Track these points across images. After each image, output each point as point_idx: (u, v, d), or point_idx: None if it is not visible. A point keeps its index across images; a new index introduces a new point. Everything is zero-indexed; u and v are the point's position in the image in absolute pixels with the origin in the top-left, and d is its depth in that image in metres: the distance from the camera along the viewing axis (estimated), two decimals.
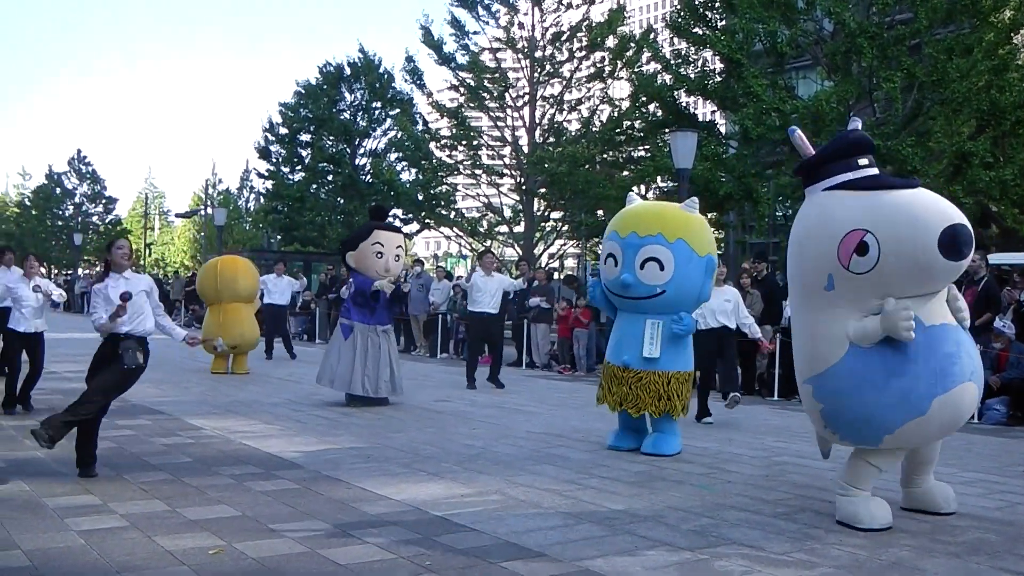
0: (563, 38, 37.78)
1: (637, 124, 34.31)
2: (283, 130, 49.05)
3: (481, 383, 17.01)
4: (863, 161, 7.04)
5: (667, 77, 30.04)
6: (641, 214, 10.33)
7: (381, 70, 48.13)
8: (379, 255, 14.00)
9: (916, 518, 7.40)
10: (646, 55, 34.15)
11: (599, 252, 12.13)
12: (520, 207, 39.69)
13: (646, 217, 10.24)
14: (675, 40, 30.93)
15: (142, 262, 74.92)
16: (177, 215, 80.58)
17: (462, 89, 39.06)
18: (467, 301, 18.77)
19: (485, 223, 40.29)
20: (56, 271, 75.63)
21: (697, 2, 28.74)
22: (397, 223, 38.64)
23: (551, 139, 38.29)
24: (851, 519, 7.02)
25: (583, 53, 37.75)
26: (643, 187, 34.59)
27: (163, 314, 9.02)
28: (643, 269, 9.90)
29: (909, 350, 6.59)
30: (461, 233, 39.74)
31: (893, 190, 6.76)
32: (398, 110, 45.44)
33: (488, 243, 41.28)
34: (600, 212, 33.75)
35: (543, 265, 37.30)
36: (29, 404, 12.46)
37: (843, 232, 6.64)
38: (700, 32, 28.38)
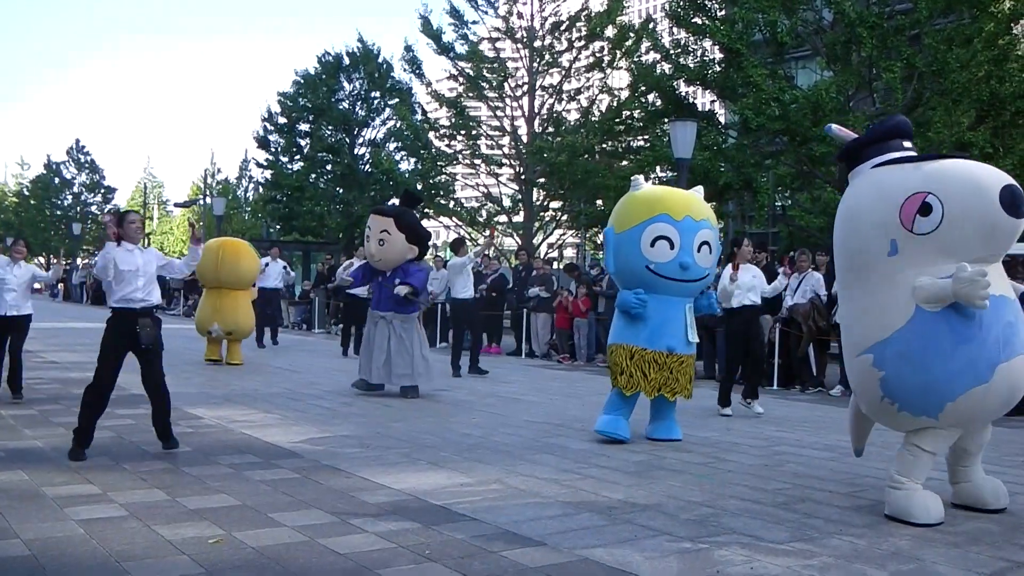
0: (562, 27, 37.75)
1: (636, 114, 34.36)
2: (282, 119, 49.04)
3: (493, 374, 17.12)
4: (907, 144, 7.27)
5: (666, 67, 29.99)
6: (686, 199, 10.41)
7: (380, 59, 48.11)
8: (367, 239, 14.05)
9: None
10: (645, 45, 34.08)
11: (599, 242, 11.97)
12: (519, 197, 39.67)
13: (693, 203, 10.38)
14: (674, 30, 30.86)
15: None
16: (176, 205, 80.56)
17: (461, 79, 39.05)
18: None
19: (484, 213, 40.27)
20: (55, 260, 75.63)
21: None
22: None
23: (550, 129, 38.27)
24: (902, 513, 6.92)
25: (582, 43, 37.70)
26: (642, 176, 34.55)
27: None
28: (699, 252, 10.08)
29: (976, 316, 6.55)
30: (460, 223, 39.71)
31: (945, 159, 6.96)
32: (397, 100, 45.41)
33: (487, 231, 41.31)
34: (599, 202, 33.79)
35: (542, 254, 37.29)
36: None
37: (903, 196, 6.72)
38: (700, 22, 28.31)
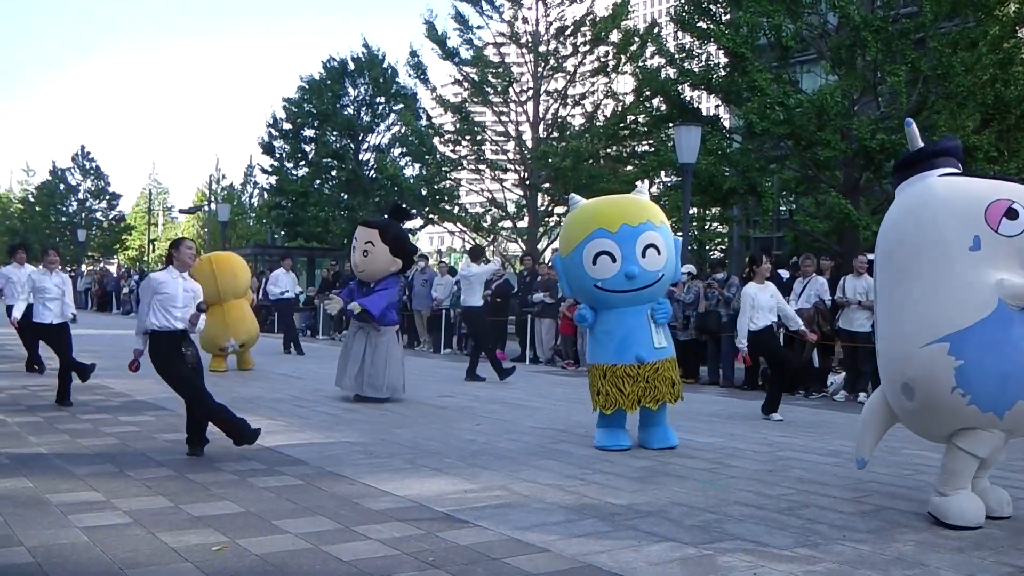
0: (567, 32, 37.80)
1: (641, 118, 34.38)
2: (287, 125, 49.09)
3: (492, 378, 17.13)
4: (960, 167, 7.47)
5: (671, 71, 30.01)
6: (620, 207, 10.41)
7: (385, 65, 48.15)
8: (353, 249, 14.20)
9: (920, 513, 7.39)
10: (650, 49, 34.15)
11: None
12: (524, 202, 39.73)
13: (628, 209, 10.32)
14: (679, 34, 30.91)
15: (146, 257, 75.04)
16: (181, 211, 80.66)
17: (466, 84, 39.10)
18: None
19: (489, 218, 40.31)
20: (60, 267, 75.67)
21: None
22: (414, 224, 38.67)
23: (555, 134, 38.31)
24: (940, 513, 7.00)
25: (587, 47, 37.73)
26: (647, 181, 34.59)
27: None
28: (645, 257, 9.96)
29: None
30: (465, 228, 39.73)
31: (1014, 183, 7.11)
32: (402, 105, 45.52)
33: (491, 238, 41.31)
34: None
35: (547, 260, 37.29)
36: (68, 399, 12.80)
37: (988, 199, 6.83)
38: (704, 26, 28.33)
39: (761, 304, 12.88)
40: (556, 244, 40.77)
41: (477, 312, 18.08)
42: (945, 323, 6.86)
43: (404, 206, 16.49)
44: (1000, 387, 6.66)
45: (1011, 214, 6.72)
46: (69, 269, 57.73)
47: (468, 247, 39.03)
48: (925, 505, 7.64)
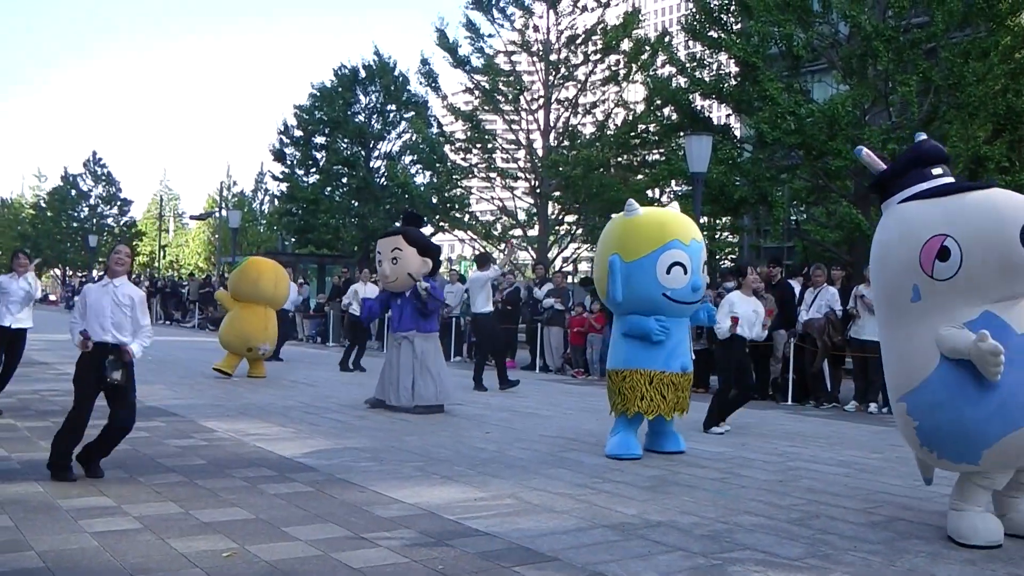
0: (578, 41, 37.86)
1: (652, 127, 34.45)
2: (298, 132, 49.21)
3: (493, 387, 17.14)
4: (937, 171, 6.92)
5: (682, 80, 30.02)
6: (685, 222, 10.59)
7: (396, 73, 48.23)
8: (379, 263, 14.14)
9: (929, 523, 7.37)
10: (661, 58, 34.14)
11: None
12: (534, 210, 39.71)
13: (690, 225, 10.60)
14: (690, 43, 30.89)
15: (156, 264, 75.15)
16: (192, 217, 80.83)
17: (477, 92, 39.17)
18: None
19: (499, 226, 40.31)
20: (71, 273, 75.93)
21: (712, 5, 28.68)
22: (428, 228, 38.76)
23: (565, 142, 38.32)
24: (956, 534, 6.76)
25: (598, 56, 37.79)
26: (657, 191, 34.61)
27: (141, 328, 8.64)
28: (703, 272, 10.44)
29: (1004, 360, 6.16)
30: (475, 236, 39.75)
31: (968, 192, 6.62)
32: (413, 113, 45.61)
33: (502, 245, 41.33)
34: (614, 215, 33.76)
35: (558, 268, 37.29)
36: None
37: (922, 240, 6.47)
38: (715, 35, 28.35)
39: (740, 314, 12.71)
40: (566, 253, 40.94)
41: (483, 318, 18.11)
42: (901, 382, 6.84)
43: (415, 212, 16.53)
44: (959, 444, 6.48)
45: (943, 254, 6.35)
46: (81, 275, 57.88)
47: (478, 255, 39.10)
48: (936, 516, 7.64)
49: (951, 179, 6.93)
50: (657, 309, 10.24)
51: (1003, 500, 7.05)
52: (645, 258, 10.13)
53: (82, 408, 8.35)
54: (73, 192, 76.76)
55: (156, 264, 76.44)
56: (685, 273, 10.07)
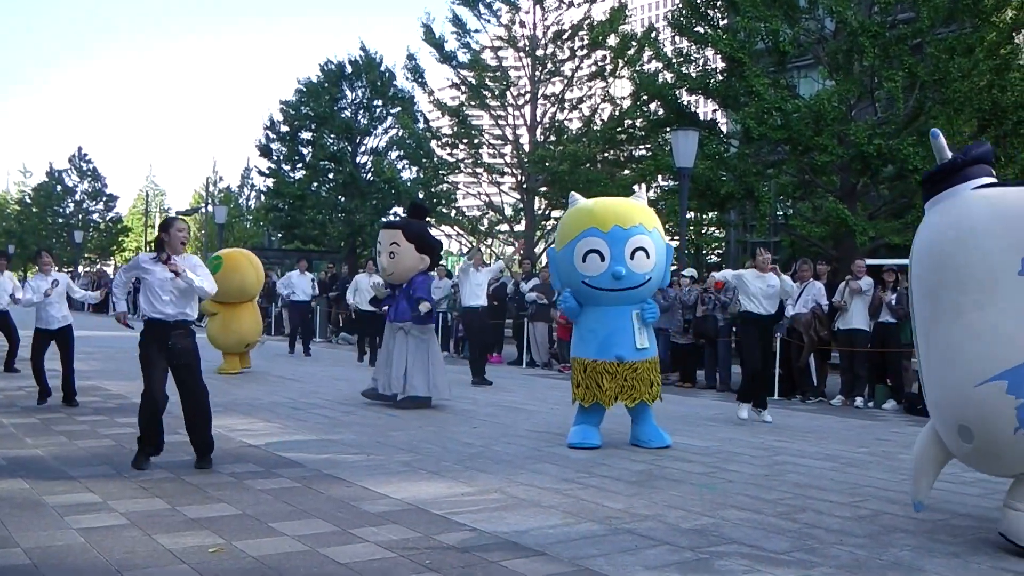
0: (564, 36, 37.89)
1: (638, 123, 34.52)
2: (284, 128, 49.10)
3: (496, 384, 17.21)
4: (992, 171, 6.97)
5: (668, 76, 30.05)
6: (615, 208, 10.60)
7: (382, 68, 48.17)
8: (379, 253, 14.20)
9: (915, 517, 7.39)
10: (647, 54, 34.21)
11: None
12: (521, 206, 39.77)
13: (622, 211, 10.53)
14: (677, 39, 30.90)
15: None
16: (178, 213, 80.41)
17: (463, 87, 39.19)
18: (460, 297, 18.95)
19: (486, 222, 40.36)
20: (57, 269, 75.66)
21: (699, 0, 28.71)
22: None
23: (552, 138, 38.36)
24: (1013, 535, 6.45)
25: (584, 51, 37.85)
26: (644, 186, 34.62)
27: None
28: (633, 259, 10.23)
29: None
30: (462, 232, 39.75)
31: None
32: (399, 108, 45.58)
33: (489, 241, 41.33)
34: None
35: (544, 263, 37.30)
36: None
37: None
38: (702, 31, 28.39)
39: (753, 292, 12.93)
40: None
41: (476, 312, 18.14)
42: (999, 359, 6.29)
43: (422, 203, 16.52)
44: None
45: None
46: (67, 270, 57.68)
47: (467, 250, 39.15)
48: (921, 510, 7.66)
49: None
50: (584, 296, 10.58)
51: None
52: (566, 247, 10.57)
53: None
54: (59, 188, 76.48)
55: None
56: (602, 260, 10.21)
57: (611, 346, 10.43)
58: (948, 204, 6.81)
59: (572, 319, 11.00)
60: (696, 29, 28.63)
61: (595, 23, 37.35)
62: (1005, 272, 6.33)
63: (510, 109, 39.07)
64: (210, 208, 56.42)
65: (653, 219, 10.70)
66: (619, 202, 10.88)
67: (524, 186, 38.69)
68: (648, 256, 10.30)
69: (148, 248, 72.50)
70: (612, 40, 37.18)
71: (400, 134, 43.22)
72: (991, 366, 6.30)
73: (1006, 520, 6.54)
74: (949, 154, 7.03)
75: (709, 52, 29.03)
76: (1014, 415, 6.20)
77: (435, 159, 39.52)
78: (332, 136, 48.00)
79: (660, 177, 32.69)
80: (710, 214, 35.88)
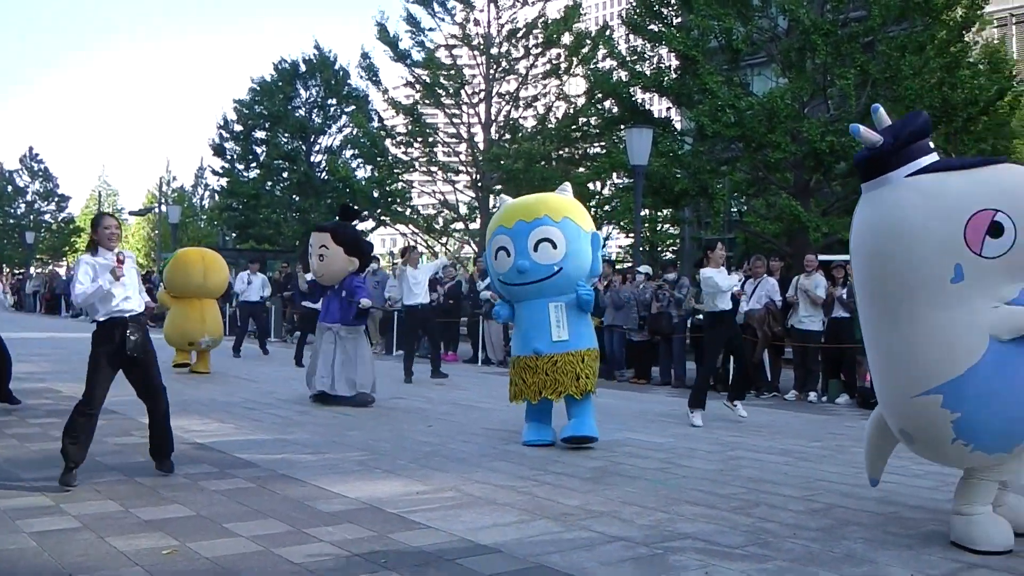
0: (519, 35, 37.91)
1: (593, 121, 34.63)
2: (238, 127, 48.85)
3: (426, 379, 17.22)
4: (932, 144, 6.45)
5: (623, 74, 30.16)
6: (521, 204, 10.69)
7: (336, 67, 48.03)
8: (310, 256, 14.32)
9: (867, 510, 7.46)
10: (602, 52, 34.36)
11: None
12: (476, 204, 39.72)
13: (527, 205, 10.59)
14: (631, 37, 31.01)
15: None
16: (131, 213, 79.85)
17: (418, 86, 39.12)
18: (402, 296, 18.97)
19: (441, 220, 40.28)
20: (8, 270, 74.92)
21: None
22: (365, 224, 38.77)
23: (507, 136, 38.37)
24: (966, 540, 6.33)
25: (539, 50, 37.87)
26: (599, 183, 34.74)
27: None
28: (537, 251, 10.16)
29: None
30: (417, 230, 39.69)
31: (996, 165, 6.21)
32: (353, 107, 45.49)
33: (444, 240, 41.28)
34: None
35: None
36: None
37: (966, 215, 5.87)
38: (656, 29, 28.47)
39: (725, 287, 12.92)
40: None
41: (419, 310, 18.19)
42: (935, 372, 6.08)
43: (353, 207, 16.54)
44: (1006, 432, 6.05)
45: (995, 230, 5.82)
46: (18, 272, 57.15)
47: (429, 249, 39.15)
48: (874, 503, 7.74)
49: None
50: (509, 295, 10.76)
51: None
52: (487, 249, 10.86)
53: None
54: (9, 188, 75.64)
55: None
56: (508, 256, 10.29)
57: (529, 340, 10.44)
58: (881, 195, 6.37)
59: (506, 322, 11.02)
60: (650, 27, 28.70)
61: (549, 21, 37.41)
62: (938, 280, 6.03)
63: (465, 107, 39.06)
64: (163, 208, 56.02)
65: (566, 209, 10.49)
66: (530, 197, 10.99)
67: (479, 184, 38.67)
68: (555, 247, 10.17)
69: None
70: (566, 38, 37.27)
71: (354, 133, 43.09)
72: (926, 379, 6.12)
73: (955, 527, 6.50)
74: (878, 137, 6.41)
75: (663, 50, 29.20)
76: (950, 428, 6.09)
77: (390, 158, 39.39)
78: (286, 135, 47.83)
79: (615, 175, 32.81)
80: (664, 211, 35.95)
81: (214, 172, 51.97)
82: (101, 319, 8.20)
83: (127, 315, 8.21)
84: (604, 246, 10.54)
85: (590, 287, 10.73)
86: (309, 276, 14.98)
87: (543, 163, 35.99)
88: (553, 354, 10.28)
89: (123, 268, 8.10)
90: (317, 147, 48.54)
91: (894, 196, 6.23)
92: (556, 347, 10.29)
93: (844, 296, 15.62)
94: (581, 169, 35.64)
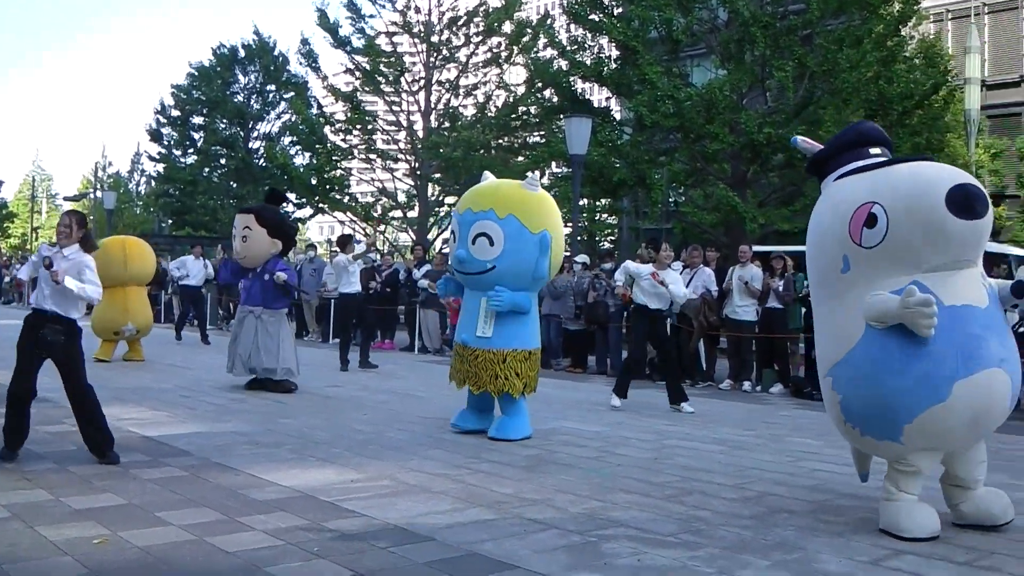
0: (460, 23, 37.85)
1: (532, 110, 34.67)
2: (175, 112, 48.59)
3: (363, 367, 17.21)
4: (875, 151, 6.82)
5: (563, 63, 30.23)
6: (479, 191, 10.46)
7: (276, 53, 47.85)
8: (234, 237, 14.25)
9: (800, 498, 7.55)
10: (542, 41, 34.36)
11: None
12: (414, 192, 39.67)
13: (482, 194, 10.37)
14: (571, 26, 31.09)
15: (29, 246, 73.46)
16: (65, 198, 78.79)
17: (357, 73, 38.92)
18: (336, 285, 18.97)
19: (379, 208, 40.16)
20: None
21: None
22: (290, 207, 38.60)
23: (446, 124, 38.33)
24: (893, 527, 6.43)
25: (479, 38, 37.86)
26: (538, 172, 34.77)
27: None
28: (475, 244, 9.98)
29: (936, 311, 5.98)
30: (355, 218, 39.54)
31: (899, 164, 6.58)
32: (293, 93, 45.20)
33: (382, 228, 41.15)
34: None
35: (438, 250, 37.33)
36: None
37: (851, 210, 6.36)
38: (596, 19, 28.57)
39: (646, 287, 12.98)
40: (446, 234, 41.13)
41: (351, 299, 18.20)
42: (828, 356, 6.70)
43: (278, 190, 16.49)
44: (880, 419, 6.32)
45: (870, 221, 6.23)
46: None
47: (367, 237, 38.99)
48: (806, 491, 7.83)
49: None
50: (459, 275, 10.70)
51: (951, 491, 6.79)
52: None
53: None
54: None
55: (28, 247, 74.62)
56: (455, 242, 10.33)
57: (462, 329, 10.49)
58: (819, 200, 7.06)
59: (448, 297, 10.96)
60: (590, 17, 28.81)
61: (490, 10, 37.38)
62: (833, 271, 6.64)
63: (404, 95, 38.93)
64: (99, 194, 55.45)
65: (516, 205, 10.07)
66: (490, 185, 10.59)
67: (418, 172, 38.61)
68: (491, 243, 9.90)
69: (35, 235, 70.88)
70: (507, 27, 37.27)
71: (293, 119, 42.83)
72: (825, 362, 6.76)
73: (884, 514, 6.61)
74: (817, 147, 7.28)
75: (603, 40, 29.28)
76: (839, 410, 6.62)
77: (328, 145, 39.16)
78: (224, 121, 47.59)
79: (554, 164, 32.89)
80: (603, 201, 36.12)
81: (151, 158, 51.59)
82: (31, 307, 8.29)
83: (47, 312, 8.28)
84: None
85: (510, 292, 10.07)
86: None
87: (482, 152, 35.99)
88: (475, 348, 10.23)
89: (60, 275, 8.14)
90: (255, 133, 48.35)
91: (820, 200, 7.00)
92: (479, 342, 10.20)
93: (780, 288, 15.77)
94: (520, 158, 35.66)
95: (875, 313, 6.24)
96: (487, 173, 11.02)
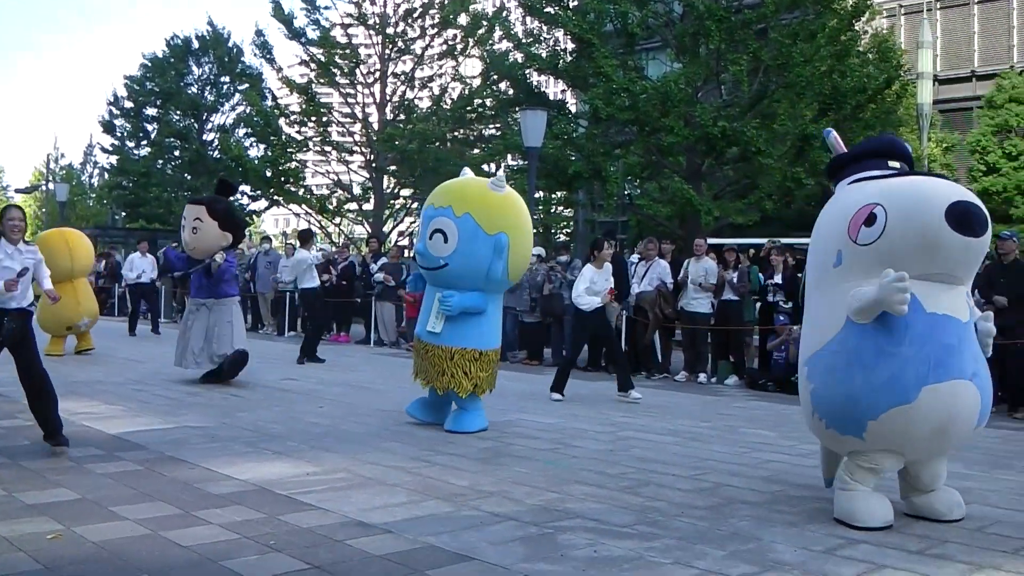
0: (415, 15, 37.77)
1: (488, 102, 34.69)
2: (128, 103, 48.16)
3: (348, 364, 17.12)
4: (895, 164, 6.87)
5: (518, 56, 30.29)
6: (444, 188, 10.39)
7: (230, 44, 47.58)
8: (183, 228, 14.09)
9: (755, 488, 7.60)
10: (498, 33, 34.34)
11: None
12: (370, 184, 39.55)
13: (446, 190, 10.27)
14: (527, 19, 31.10)
15: None
16: (17, 191, 77.92)
17: (312, 65, 38.75)
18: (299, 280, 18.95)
19: (334, 200, 40.02)
20: None
21: None
22: (244, 199, 38.42)
23: (402, 116, 38.27)
24: (847, 516, 6.51)
25: (435, 30, 37.83)
26: (493, 165, 34.80)
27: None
28: (431, 240, 9.89)
29: (904, 332, 6.15)
30: (310, 210, 39.39)
31: (912, 176, 6.70)
32: (247, 85, 45.06)
33: (337, 220, 41.03)
34: None
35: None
36: None
37: (854, 208, 6.45)
38: (552, 11, 28.60)
39: (596, 288, 13.08)
40: (402, 227, 41.10)
41: (311, 293, 18.23)
42: (808, 346, 6.85)
43: (228, 180, 16.41)
44: (845, 411, 6.40)
45: (870, 220, 6.30)
46: None
47: (322, 229, 38.90)
48: (761, 482, 7.89)
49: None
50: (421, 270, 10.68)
51: (908, 486, 6.89)
52: None
53: None
54: None
55: None
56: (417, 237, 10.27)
57: (419, 323, 10.48)
58: (830, 199, 7.14)
59: (417, 292, 10.93)
60: (546, 9, 28.83)
61: (446, 2, 37.30)
62: (826, 266, 6.76)
63: (359, 87, 38.84)
64: (51, 186, 54.90)
65: (474, 204, 9.89)
66: (456, 182, 10.50)
67: (373, 165, 38.52)
68: (446, 240, 9.77)
69: None
70: (463, 19, 37.25)
71: (248, 111, 42.63)
72: (805, 352, 6.93)
73: (838, 504, 6.69)
74: (843, 148, 7.34)
75: (559, 33, 29.32)
76: (810, 399, 6.75)
77: (283, 137, 38.96)
78: (178, 113, 47.29)
79: (509, 156, 32.87)
80: (558, 193, 36.19)
81: (103, 149, 51.15)
82: None
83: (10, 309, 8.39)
84: None
85: (460, 295, 9.95)
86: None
87: (437, 144, 35.96)
88: (426, 343, 10.20)
89: (18, 285, 8.31)
90: (209, 125, 48.06)
91: (830, 200, 7.08)
92: (430, 337, 10.15)
93: (734, 280, 15.87)
94: (475, 151, 35.72)
95: (857, 305, 6.29)
96: (466, 170, 10.96)
